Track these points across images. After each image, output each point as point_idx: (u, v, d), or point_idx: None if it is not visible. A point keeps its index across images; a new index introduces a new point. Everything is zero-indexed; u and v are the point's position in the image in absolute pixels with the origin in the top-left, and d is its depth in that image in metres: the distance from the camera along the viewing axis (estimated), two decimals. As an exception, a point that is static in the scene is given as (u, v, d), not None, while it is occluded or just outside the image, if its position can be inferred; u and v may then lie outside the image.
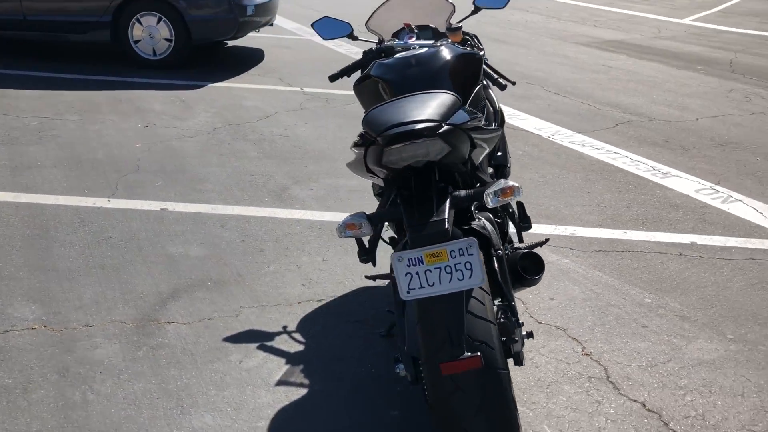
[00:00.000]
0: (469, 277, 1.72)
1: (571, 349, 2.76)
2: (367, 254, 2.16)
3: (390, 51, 2.77)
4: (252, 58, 7.81)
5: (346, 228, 1.86)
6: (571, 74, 7.41)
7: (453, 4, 3.04)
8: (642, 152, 5.04)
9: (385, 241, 2.75)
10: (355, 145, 1.96)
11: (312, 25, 3.15)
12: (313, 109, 5.95)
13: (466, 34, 2.95)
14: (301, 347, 2.75)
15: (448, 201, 1.79)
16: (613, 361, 2.69)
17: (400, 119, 1.77)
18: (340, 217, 3.81)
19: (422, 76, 2.45)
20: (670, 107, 6.28)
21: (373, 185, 2.91)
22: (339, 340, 2.80)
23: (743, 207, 4.14)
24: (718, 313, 3.03)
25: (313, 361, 2.67)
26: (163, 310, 2.95)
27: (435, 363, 1.72)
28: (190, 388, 2.49)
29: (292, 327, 2.87)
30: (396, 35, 3.00)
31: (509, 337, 1.91)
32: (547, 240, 2.48)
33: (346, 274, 3.28)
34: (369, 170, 1.93)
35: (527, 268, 2.15)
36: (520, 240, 2.10)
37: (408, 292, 1.72)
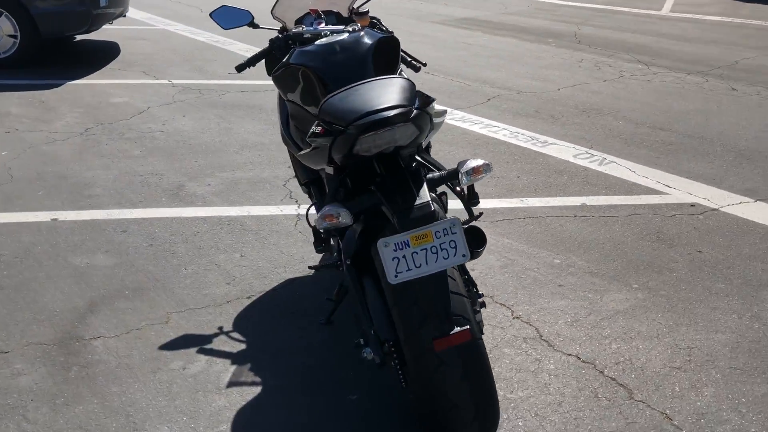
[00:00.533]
0: (454, 255, 1.78)
1: (501, 314, 2.91)
2: (323, 243, 2.16)
3: (299, 38, 2.75)
4: (108, 51, 7.37)
5: (324, 219, 1.85)
6: (434, 52, 7.64)
7: None
8: (518, 123, 5.33)
9: (318, 232, 2.75)
10: (314, 135, 1.94)
11: (210, 15, 3.05)
12: (187, 102, 5.73)
13: (371, 17, 2.99)
14: (242, 346, 2.69)
15: (425, 184, 1.83)
16: (542, 321, 2.87)
17: (371, 107, 1.78)
18: (247, 211, 3.76)
19: (348, 61, 2.46)
20: (532, 80, 6.67)
21: (300, 176, 2.88)
22: (280, 334, 2.77)
23: (618, 167, 4.51)
24: (620, 266, 3.30)
25: (258, 357, 2.63)
26: (84, 326, 2.78)
27: (421, 341, 1.77)
28: (138, 402, 2.38)
29: (227, 327, 2.80)
30: (300, 21, 2.98)
31: (472, 307, 2.00)
32: (481, 213, 2.59)
33: (269, 268, 3.24)
34: (331, 160, 1.93)
35: (471, 242, 2.25)
36: (471, 216, 2.19)
37: (396, 276, 1.76)
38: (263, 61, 2.94)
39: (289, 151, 3.00)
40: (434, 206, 1.76)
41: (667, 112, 5.74)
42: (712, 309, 2.96)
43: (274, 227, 3.62)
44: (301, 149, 2.74)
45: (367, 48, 2.51)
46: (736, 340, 2.75)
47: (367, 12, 2.95)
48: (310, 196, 3.00)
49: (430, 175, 1.89)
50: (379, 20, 3.00)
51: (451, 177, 1.90)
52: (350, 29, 2.82)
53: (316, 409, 2.38)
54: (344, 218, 1.82)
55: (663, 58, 7.80)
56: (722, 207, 3.94)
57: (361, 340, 2.27)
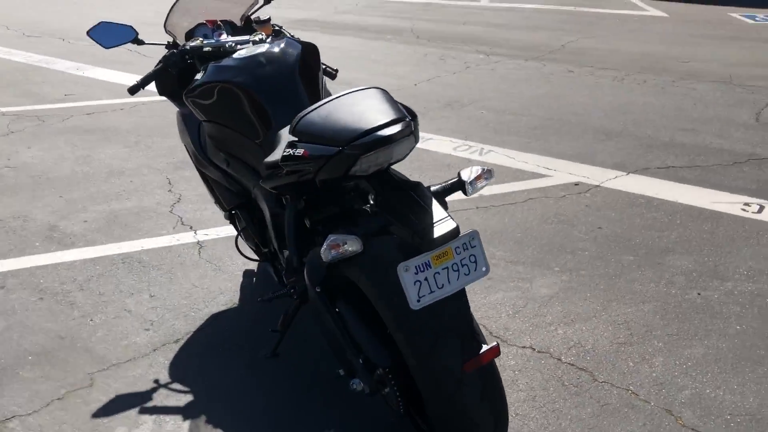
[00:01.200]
0: (475, 270, 1.70)
1: (446, 317, 2.87)
2: (294, 273, 2.00)
3: (198, 52, 2.53)
4: None
5: (331, 249, 1.68)
6: (283, 56, 7.46)
7: None
8: (390, 122, 5.33)
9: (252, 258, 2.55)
10: (293, 158, 1.76)
11: (88, 33, 2.73)
12: (27, 131, 5.14)
13: (273, 25, 2.82)
14: (188, 396, 2.44)
15: (433, 198, 1.73)
16: (486, 317, 2.87)
17: (370, 123, 1.64)
18: (140, 245, 3.43)
19: (277, 74, 2.30)
20: (387, 77, 6.72)
21: (225, 203, 2.64)
22: (225, 375, 2.54)
23: (497, 156, 4.66)
24: (536, 251, 3.40)
25: (211, 406, 2.39)
26: (-9, 407, 2.37)
27: (437, 363, 1.68)
28: (88, 484, 2.07)
29: (164, 378, 2.52)
30: (191, 34, 2.74)
31: None
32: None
33: (187, 306, 2.96)
34: (310, 182, 1.78)
35: None
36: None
37: (418, 301, 1.64)
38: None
39: (204, 176, 2.75)
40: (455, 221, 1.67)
41: (521, 98, 6.02)
42: (631, 281, 3.12)
43: (177, 259, 3.33)
44: (226, 171, 2.53)
45: (294, 58, 2.35)
46: (662, 307, 2.92)
47: (269, 20, 2.78)
48: (234, 224, 2.78)
49: (434, 188, 1.80)
50: (281, 27, 2.83)
51: (456, 188, 1.82)
52: (256, 39, 2.64)
53: (294, 451, 2.20)
54: (352, 245, 1.67)
55: (499, 46, 8.19)
56: (603, 183, 4.19)
57: (341, 371, 2.13)
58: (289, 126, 2.19)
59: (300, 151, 1.73)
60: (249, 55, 2.33)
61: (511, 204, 3.91)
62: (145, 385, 2.48)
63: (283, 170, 1.87)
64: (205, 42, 2.61)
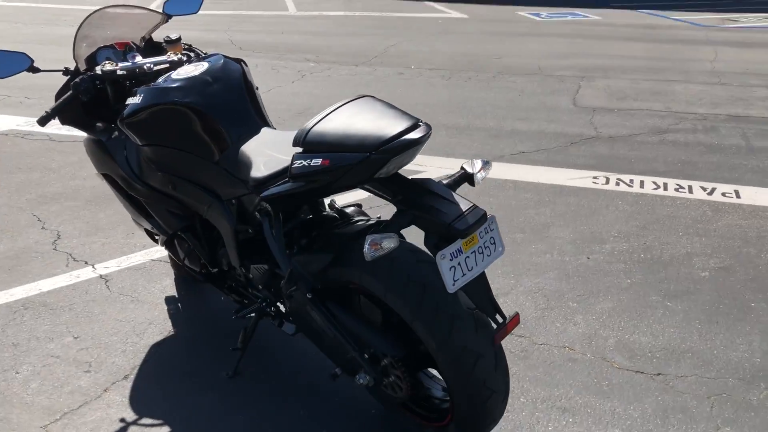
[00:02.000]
0: (494, 251, 1.87)
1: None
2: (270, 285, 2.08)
3: (112, 76, 2.47)
4: None
5: (371, 248, 1.75)
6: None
7: (166, 15, 2.80)
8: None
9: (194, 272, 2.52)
10: (308, 169, 1.79)
11: None
12: None
13: (184, 44, 2.79)
14: (167, 428, 2.36)
15: (450, 189, 1.86)
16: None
17: (393, 129, 1.73)
18: (37, 288, 3.22)
19: (228, 91, 2.31)
20: (229, 90, 6.65)
21: (167, 227, 2.57)
22: (197, 401, 2.48)
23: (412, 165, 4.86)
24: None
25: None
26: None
27: (457, 342, 1.83)
28: None
29: (130, 415, 2.42)
30: (91, 59, 2.65)
31: None
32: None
33: (119, 341, 2.83)
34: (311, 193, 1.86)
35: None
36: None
37: (454, 284, 1.77)
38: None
39: (134, 202, 2.65)
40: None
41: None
42: (530, 255, 3.48)
43: (86, 297, 3.14)
44: (168, 195, 2.47)
45: (238, 74, 2.38)
46: (564, 273, 3.30)
47: (180, 39, 2.75)
48: (173, 249, 2.70)
49: (445, 182, 1.92)
50: (190, 46, 2.81)
51: (464, 180, 1.96)
52: (174, 59, 2.62)
53: (293, 459, 2.24)
54: (390, 243, 1.76)
55: (324, 53, 8.43)
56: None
57: (337, 370, 2.21)
58: (249, 141, 2.24)
59: (318, 161, 1.79)
60: (195, 75, 2.31)
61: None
62: (112, 427, 2.36)
63: (286, 182, 1.91)
64: (120, 65, 2.54)
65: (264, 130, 2.33)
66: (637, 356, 2.69)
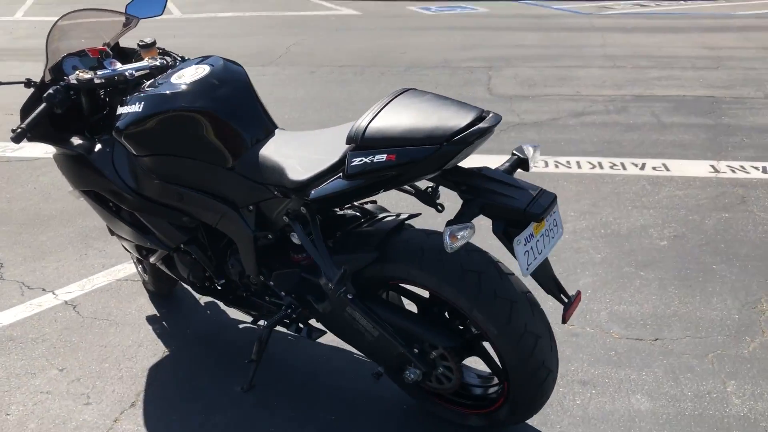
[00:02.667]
0: (557, 232, 1.90)
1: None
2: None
3: (89, 84, 2.33)
4: None
5: (451, 239, 1.73)
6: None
7: (137, 18, 2.65)
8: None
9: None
10: (371, 166, 1.74)
11: None
12: None
13: (158, 48, 2.65)
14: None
15: (513, 175, 1.87)
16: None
17: (462, 119, 1.71)
18: (3, 318, 2.94)
19: (237, 93, 2.22)
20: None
21: (170, 241, 2.43)
22: (207, 425, 2.36)
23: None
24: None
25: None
26: None
27: (521, 325, 1.86)
28: None
29: (149, 444, 2.28)
30: (57, 69, 2.48)
31: None
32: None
33: (112, 367, 2.65)
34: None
35: None
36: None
37: (528, 268, 1.79)
38: None
39: (129, 218, 2.48)
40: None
41: (291, 101, 6.21)
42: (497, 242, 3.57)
43: (56, 325, 2.92)
44: (172, 207, 2.34)
45: (243, 75, 2.28)
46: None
47: (155, 43, 2.61)
48: (171, 266, 2.55)
49: (503, 169, 1.92)
50: (164, 50, 2.67)
51: (520, 165, 1.96)
52: (156, 63, 2.49)
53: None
54: (469, 233, 1.74)
55: (226, 55, 8.19)
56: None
57: (380, 369, 2.19)
58: (267, 144, 2.16)
59: (382, 157, 1.76)
60: (197, 78, 2.20)
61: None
62: (136, 458, 2.22)
63: (339, 180, 1.86)
64: (99, 73, 2.38)
65: (278, 132, 2.26)
66: (631, 325, 2.83)
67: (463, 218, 1.80)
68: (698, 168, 4.49)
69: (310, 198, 1.92)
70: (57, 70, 2.50)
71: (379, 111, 1.84)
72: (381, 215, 2.22)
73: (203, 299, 3.09)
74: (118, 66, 2.48)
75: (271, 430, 2.32)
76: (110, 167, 2.39)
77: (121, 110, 2.26)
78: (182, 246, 2.43)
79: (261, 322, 2.36)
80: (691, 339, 2.73)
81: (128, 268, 3.36)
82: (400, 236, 2.05)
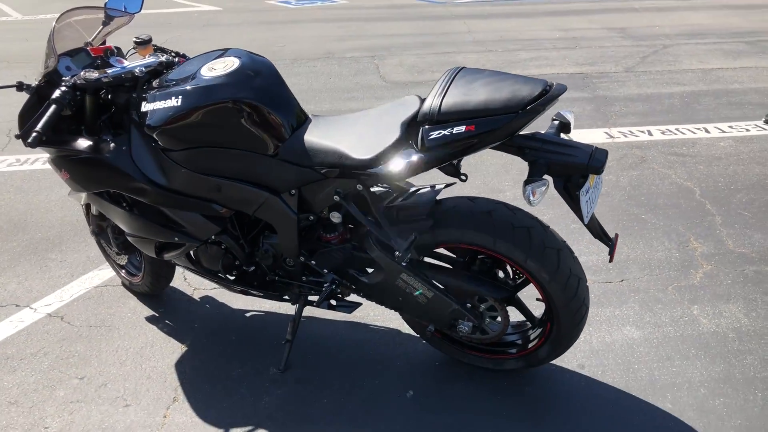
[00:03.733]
0: (600, 184, 2.17)
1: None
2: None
3: (97, 84, 2.33)
4: None
5: (533, 196, 1.94)
6: None
7: (130, 14, 2.62)
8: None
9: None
10: (452, 137, 1.92)
11: None
12: None
13: (154, 45, 2.66)
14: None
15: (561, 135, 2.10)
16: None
17: (533, 90, 1.89)
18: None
19: (271, 82, 2.31)
20: None
21: (194, 236, 2.46)
22: (259, 406, 2.44)
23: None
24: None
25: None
26: None
27: (565, 271, 2.14)
28: None
29: (211, 432, 2.33)
30: (54, 74, 2.44)
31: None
32: None
33: (133, 368, 2.63)
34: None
35: None
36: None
37: (587, 216, 2.06)
38: None
39: (153, 215, 2.47)
40: None
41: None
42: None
43: (51, 338, 2.82)
44: (204, 198, 2.38)
45: (270, 65, 2.36)
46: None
47: (150, 40, 2.61)
48: (192, 260, 2.58)
49: (552, 131, 2.14)
50: (160, 46, 2.68)
51: (564, 128, 2.19)
52: (163, 59, 2.51)
53: None
54: (546, 188, 1.97)
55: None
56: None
57: (431, 327, 2.39)
58: (308, 130, 2.28)
59: (462, 128, 1.94)
60: (233, 71, 2.25)
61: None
62: (205, 446, 2.26)
63: (413, 155, 2.02)
64: (109, 72, 2.37)
65: (314, 118, 2.37)
66: (597, 272, 3.23)
67: (535, 176, 2.03)
68: (596, 135, 5.04)
69: (388, 173, 2.06)
70: (54, 72, 2.44)
71: (447, 89, 2.03)
72: (412, 189, 2.41)
73: (196, 294, 3.11)
74: (126, 63, 2.47)
75: (325, 401, 2.45)
76: (131, 165, 2.38)
77: (149, 107, 2.27)
78: (212, 237, 2.47)
79: (302, 303, 2.47)
80: (649, 276, 3.17)
81: (100, 274, 3.28)
82: (446, 204, 2.26)
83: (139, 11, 2.82)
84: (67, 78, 2.40)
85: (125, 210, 2.50)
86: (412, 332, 2.79)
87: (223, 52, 2.41)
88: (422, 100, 2.13)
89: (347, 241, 2.39)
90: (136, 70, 2.40)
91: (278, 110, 2.27)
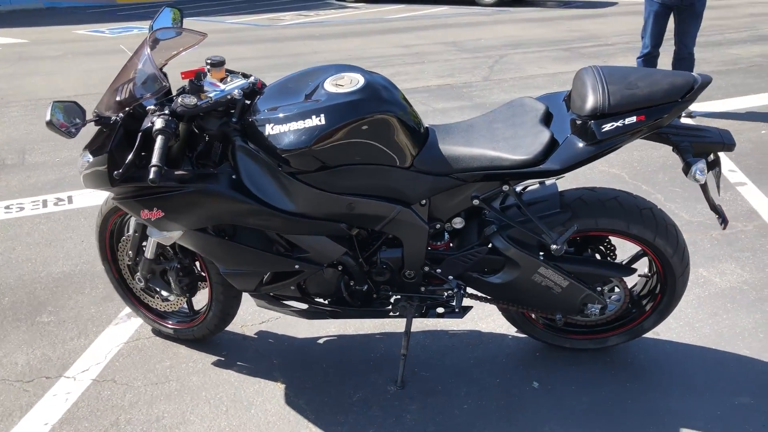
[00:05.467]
0: None
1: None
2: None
3: (198, 110, 2.19)
4: None
5: (702, 173, 2.13)
6: None
7: (203, 35, 2.43)
8: None
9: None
10: (623, 128, 2.11)
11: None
12: None
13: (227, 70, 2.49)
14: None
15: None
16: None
17: (685, 80, 2.09)
18: (52, 413, 2.47)
19: (398, 93, 2.29)
20: None
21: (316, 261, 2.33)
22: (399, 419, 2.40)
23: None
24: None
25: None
26: None
27: (683, 241, 2.40)
28: None
29: None
30: (127, 103, 2.25)
31: None
32: None
33: (230, 397, 2.44)
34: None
35: None
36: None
37: (718, 190, 2.30)
38: None
39: (266, 246, 2.30)
40: None
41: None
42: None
43: (121, 401, 2.50)
44: (330, 219, 2.30)
45: (387, 78, 2.33)
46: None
47: (224, 61, 2.44)
48: (303, 291, 2.46)
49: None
50: (232, 71, 2.50)
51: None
52: (252, 80, 2.39)
53: None
54: (705, 166, 2.17)
55: None
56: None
57: (558, 315, 2.52)
58: (439, 138, 2.30)
59: (633, 119, 2.10)
60: (360, 85, 2.19)
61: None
62: None
63: (584, 148, 2.14)
64: (214, 97, 2.21)
65: (435, 127, 2.39)
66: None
67: (689, 157, 2.24)
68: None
69: (555, 169, 2.16)
70: (126, 101, 2.21)
71: (604, 86, 2.18)
72: (528, 184, 2.50)
73: (246, 330, 2.92)
74: (222, 87, 2.29)
75: (464, 406, 2.46)
76: (248, 193, 2.23)
77: (276, 129, 2.14)
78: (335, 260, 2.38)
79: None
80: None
81: (120, 329, 2.95)
82: (569, 195, 2.41)
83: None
84: (152, 107, 2.18)
85: (233, 243, 2.32)
86: (492, 330, 2.89)
87: (329, 69, 2.33)
88: (566, 100, 2.27)
89: (465, 247, 2.42)
90: (236, 92, 2.26)
91: (409, 122, 2.27)
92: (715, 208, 2.49)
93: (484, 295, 2.55)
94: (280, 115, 2.17)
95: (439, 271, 2.44)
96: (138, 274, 2.67)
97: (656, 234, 2.38)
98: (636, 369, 2.65)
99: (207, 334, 2.78)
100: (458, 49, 9.14)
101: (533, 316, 2.69)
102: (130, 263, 2.71)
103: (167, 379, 2.62)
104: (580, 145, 2.18)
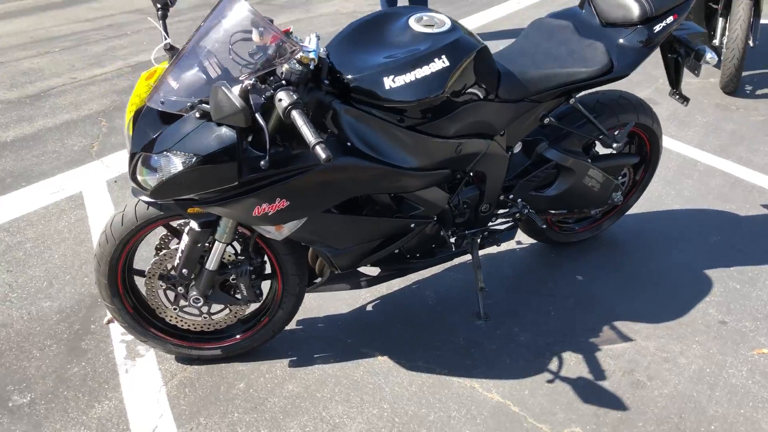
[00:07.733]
0: None
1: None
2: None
3: (310, 74, 2.00)
4: None
5: (711, 60, 2.48)
6: None
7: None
8: None
9: None
10: (666, 28, 2.43)
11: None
12: None
13: None
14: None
15: None
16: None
17: None
18: None
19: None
20: None
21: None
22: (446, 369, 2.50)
23: None
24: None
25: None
26: None
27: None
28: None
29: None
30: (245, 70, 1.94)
31: None
32: None
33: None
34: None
35: None
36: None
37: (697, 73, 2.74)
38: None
39: (385, 210, 2.12)
40: None
41: None
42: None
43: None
44: (442, 167, 2.24)
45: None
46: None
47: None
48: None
49: None
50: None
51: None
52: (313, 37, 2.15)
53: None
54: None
55: None
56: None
57: (595, 210, 2.81)
58: (502, 64, 2.37)
59: (670, 18, 2.45)
60: (451, 22, 2.13)
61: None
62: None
63: (642, 49, 2.40)
64: (313, 56, 1.95)
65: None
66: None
67: (696, 45, 2.62)
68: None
69: (626, 73, 2.38)
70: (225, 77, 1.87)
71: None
72: None
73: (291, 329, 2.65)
74: (307, 45, 1.98)
75: (548, 317, 2.65)
76: (371, 158, 2.04)
77: (400, 81, 1.99)
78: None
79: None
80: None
81: (133, 378, 2.44)
82: (588, 100, 2.66)
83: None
84: (249, 82, 1.84)
85: (358, 217, 2.12)
86: (514, 247, 3.06)
87: (399, 13, 2.19)
88: (593, 12, 2.50)
89: (518, 168, 2.56)
90: (321, 51, 2.02)
91: (489, 54, 2.27)
92: (680, 91, 2.97)
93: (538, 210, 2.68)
94: (396, 65, 2.00)
95: (511, 196, 2.53)
96: (193, 293, 2.23)
97: (653, 120, 2.79)
98: (636, 245, 3.09)
99: (267, 339, 2.45)
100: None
101: (552, 221, 2.93)
102: (175, 286, 2.24)
103: (262, 401, 2.28)
104: (638, 47, 2.45)
